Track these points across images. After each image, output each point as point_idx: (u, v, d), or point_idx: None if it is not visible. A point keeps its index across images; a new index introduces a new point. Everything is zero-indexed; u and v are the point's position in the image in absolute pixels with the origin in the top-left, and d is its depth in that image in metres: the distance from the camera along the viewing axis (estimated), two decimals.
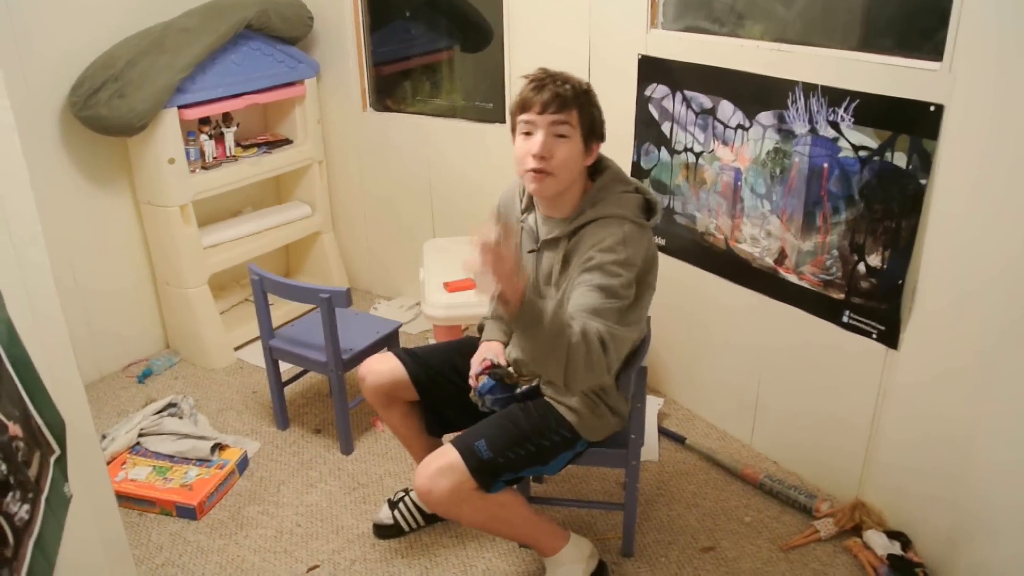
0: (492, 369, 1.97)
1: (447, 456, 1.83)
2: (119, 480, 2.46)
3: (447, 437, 2.05)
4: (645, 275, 1.82)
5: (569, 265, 1.82)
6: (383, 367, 2.11)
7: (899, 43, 2.06)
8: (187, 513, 2.39)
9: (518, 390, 1.96)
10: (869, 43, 2.16)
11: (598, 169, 1.87)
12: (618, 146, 2.73)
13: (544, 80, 1.77)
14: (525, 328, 1.57)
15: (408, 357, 2.12)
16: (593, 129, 1.81)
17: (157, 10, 3.00)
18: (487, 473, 1.83)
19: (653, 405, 2.83)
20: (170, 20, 2.96)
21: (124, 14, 2.93)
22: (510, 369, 1.98)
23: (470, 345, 2.13)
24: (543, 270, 1.88)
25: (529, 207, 1.95)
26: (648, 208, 1.86)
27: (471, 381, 1.99)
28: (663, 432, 2.73)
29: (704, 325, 2.71)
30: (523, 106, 1.79)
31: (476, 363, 2.01)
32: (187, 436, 2.62)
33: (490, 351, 2.02)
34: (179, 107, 2.91)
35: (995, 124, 1.78)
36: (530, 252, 1.92)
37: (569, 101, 1.75)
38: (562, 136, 1.76)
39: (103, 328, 3.12)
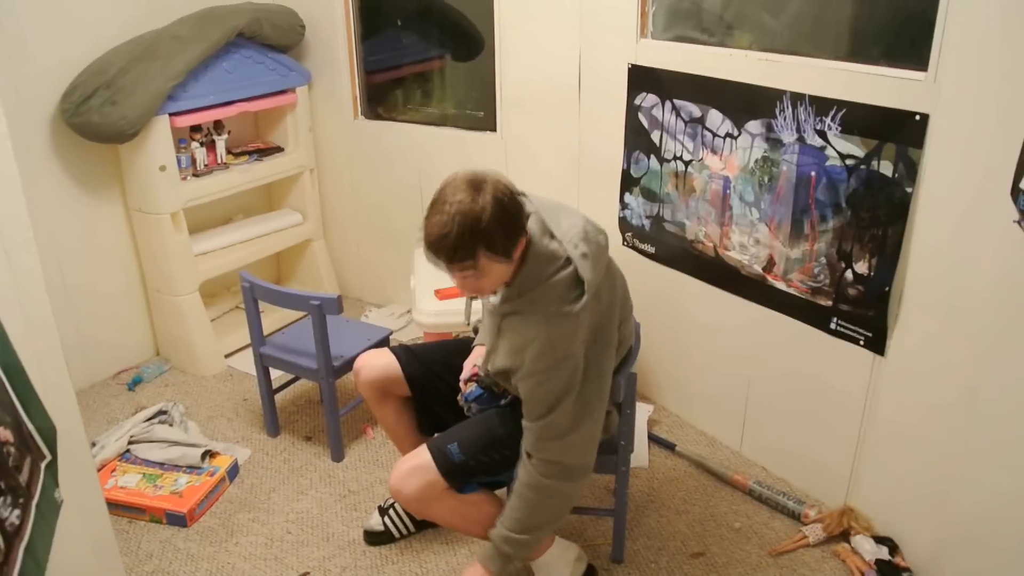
0: (479, 377, 1.98)
1: (420, 457, 1.88)
2: (109, 487, 2.45)
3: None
4: (595, 339, 1.77)
5: (502, 339, 1.81)
6: (378, 361, 2.13)
7: (885, 53, 2.09)
8: (177, 520, 2.39)
9: (503, 401, 1.97)
10: (856, 53, 2.19)
11: (524, 254, 1.75)
12: (608, 155, 2.76)
13: (434, 243, 1.65)
14: (516, 553, 1.85)
15: (403, 353, 2.14)
16: (507, 247, 1.67)
17: (149, 17, 3.00)
18: (457, 475, 1.87)
19: (643, 412, 2.84)
20: (162, 28, 2.97)
21: (116, 21, 2.93)
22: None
23: (468, 346, 2.15)
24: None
25: None
26: (578, 281, 1.73)
27: (461, 386, 2.00)
28: (653, 438, 2.74)
29: (693, 332, 2.73)
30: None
31: (467, 368, 2.02)
32: (177, 443, 2.61)
33: (481, 356, 2.03)
34: (170, 114, 2.91)
35: (979, 133, 1.80)
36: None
37: (464, 253, 1.64)
38: (480, 274, 1.69)
39: (93, 335, 3.11)
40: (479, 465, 1.88)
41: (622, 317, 1.89)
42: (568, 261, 1.73)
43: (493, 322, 1.86)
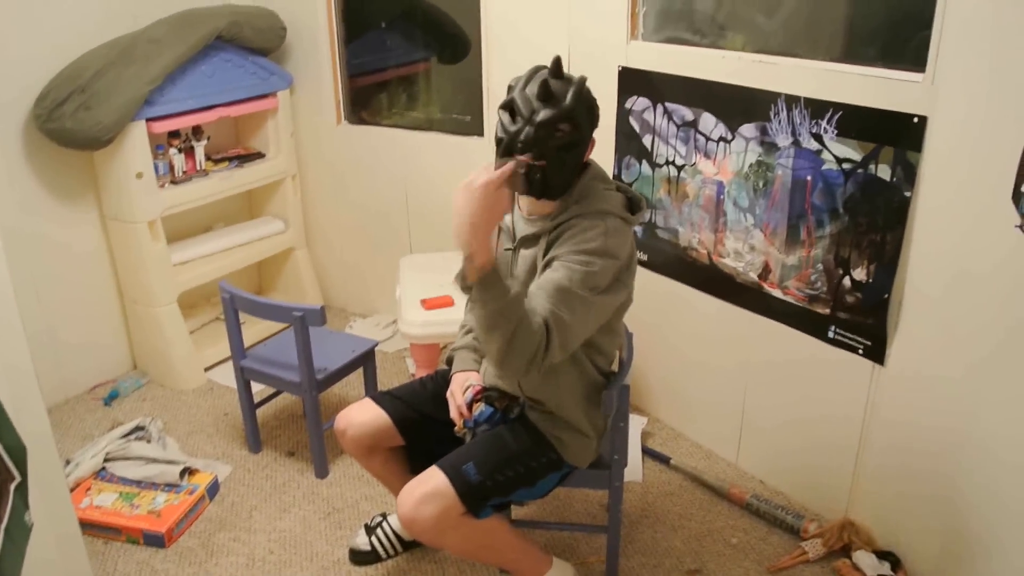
0: (484, 393, 1.95)
1: (433, 480, 1.80)
2: (84, 507, 2.43)
3: None
4: (620, 272, 1.79)
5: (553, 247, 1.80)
6: (364, 417, 2.04)
7: (882, 54, 2.10)
8: (155, 541, 2.37)
9: (511, 415, 1.95)
10: (852, 54, 2.20)
11: (584, 165, 1.85)
12: (598, 159, 2.74)
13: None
14: (485, 288, 1.59)
15: (389, 401, 2.06)
16: (593, 125, 1.80)
17: (125, 20, 2.99)
18: (476, 497, 1.80)
19: (636, 424, 2.84)
20: (139, 30, 2.96)
21: (91, 24, 2.92)
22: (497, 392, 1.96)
23: (446, 377, 2.10)
24: (519, 267, 1.87)
25: None
26: (631, 206, 1.86)
27: (456, 415, 1.96)
28: (647, 452, 2.74)
29: (688, 342, 2.73)
30: None
31: (458, 395, 1.98)
32: (155, 460, 2.60)
33: (467, 380, 2.01)
34: (147, 120, 2.90)
35: (979, 136, 1.81)
36: (506, 250, 1.91)
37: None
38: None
39: (67, 349, 3.09)
40: (496, 486, 1.83)
41: (633, 272, 1.89)
42: (618, 188, 1.86)
43: (535, 251, 1.81)
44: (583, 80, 1.75)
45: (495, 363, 1.67)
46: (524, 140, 1.69)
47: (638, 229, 2.74)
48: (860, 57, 2.13)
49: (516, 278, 1.87)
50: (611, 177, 2.74)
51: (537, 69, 1.76)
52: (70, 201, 3.01)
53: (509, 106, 1.73)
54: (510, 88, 1.76)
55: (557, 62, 1.73)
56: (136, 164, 2.91)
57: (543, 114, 1.69)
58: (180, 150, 3.15)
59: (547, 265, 1.76)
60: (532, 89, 1.71)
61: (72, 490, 2.50)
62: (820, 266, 2.23)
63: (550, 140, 1.70)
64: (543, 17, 2.82)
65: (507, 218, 1.92)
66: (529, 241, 1.85)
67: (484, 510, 1.82)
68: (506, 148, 1.72)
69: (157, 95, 2.90)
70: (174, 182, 3.13)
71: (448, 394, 2.02)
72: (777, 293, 2.37)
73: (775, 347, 2.43)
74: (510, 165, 1.64)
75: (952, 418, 1.98)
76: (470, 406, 1.94)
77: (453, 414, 1.97)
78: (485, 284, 1.60)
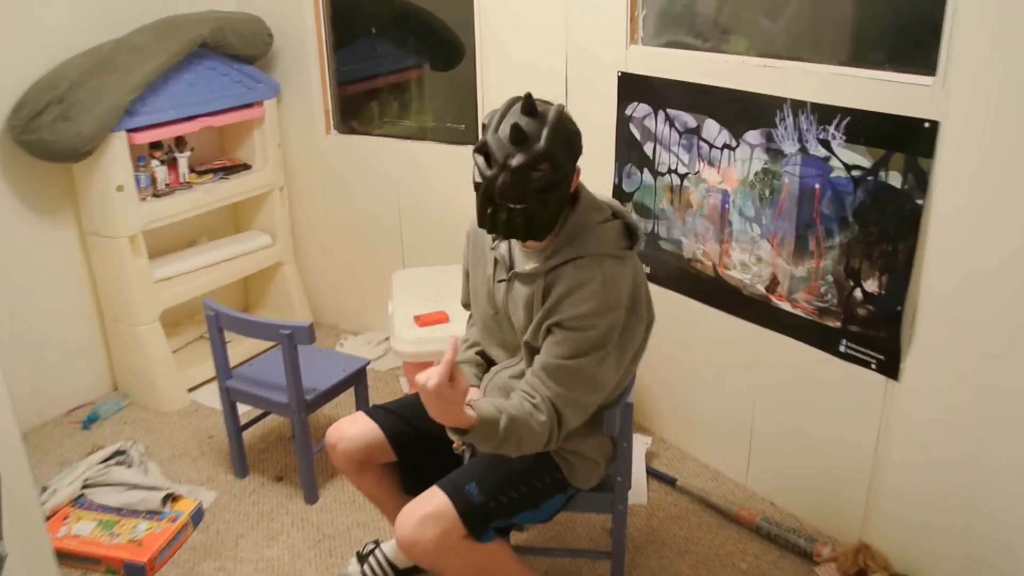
0: None
1: (434, 501, 1.78)
2: (61, 536, 2.40)
3: None
4: (632, 306, 1.80)
5: (549, 297, 1.80)
6: (355, 431, 2.01)
7: (890, 57, 2.09)
8: (136, 571, 2.34)
9: None
10: (859, 58, 2.19)
11: (573, 196, 1.84)
12: (598, 168, 2.75)
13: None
14: (476, 438, 1.65)
15: (382, 415, 2.04)
16: (575, 156, 1.75)
17: (105, 27, 2.98)
18: (478, 519, 1.78)
19: (640, 444, 2.81)
20: (120, 38, 2.95)
21: (70, 32, 2.91)
22: None
23: None
24: (514, 299, 1.86)
25: None
26: (628, 233, 1.84)
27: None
28: (652, 473, 2.72)
29: (693, 358, 2.71)
30: None
31: None
32: (136, 486, 2.57)
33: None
34: (128, 131, 2.88)
35: (992, 140, 1.80)
36: (500, 282, 1.90)
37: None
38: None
39: (45, 369, 3.07)
40: (499, 507, 1.81)
41: (647, 295, 1.88)
42: (613, 215, 1.83)
43: (532, 289, 1.81)
44: (559, 111, 1.70)
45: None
46: (501, 187, 1.67)
47: None
48: (868, 60, 2.12)
49: (513, 309, 1.86)
50: (612, 185, 2.74)
51: (512, 103, 1.72)
52: (47, 215, 2.99)
53: (484, 149, 1.71)
54: (484, 127, 1.73)
55: (528, 99, 1.69)
56: (116, 177, 2.89)
57: (517, 159, 1.66)
58: (162, 162, 3.14)
59: (548, 330, 1.77)
60: (504, 131, 1.67)
61: (48, 518, 2.47)
62: (830, 277, 2.21)
63: (528, 184, 1.67)
64: (540, 21, 2.82)
65: (503, 247, 1.91)
66: (525, 279, 1.84)
67: (487, 533, 1.81)
68: (484, 194, 1.71)
69: (138, 105, 2.89)
70: (156, 195, 3.12)
71: None
72: (786, 306, 2.35)
73: (784, 362, 2.41)
74: (449, 353, 1.60)
75: (970, 435, 1.97)
76: None
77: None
78: (474, 436, 1.65)
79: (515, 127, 1.64)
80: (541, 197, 1.69)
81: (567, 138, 1.71)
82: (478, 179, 1.71)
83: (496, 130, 1.69)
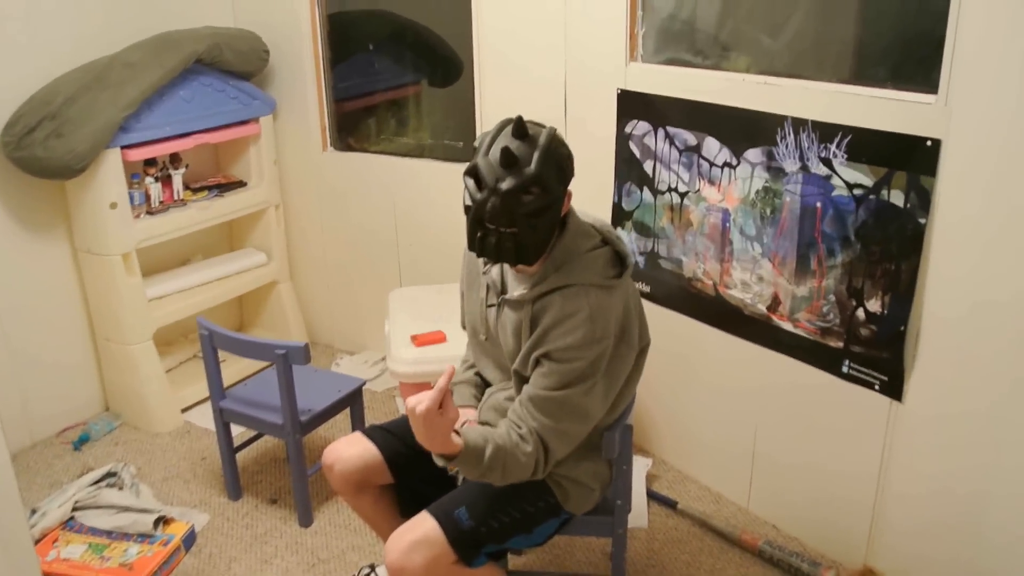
0: None
1: (423, 526, 1.78)
2: (50, 560, 2.40)
3: None
4: (622, 334, 1.80)
5: (537, 326, 1.81)
6: (352, 452, 2.02)
7: (892, 75, 2.11)
8: None
9: None
10: (861, 75, 2.21)
11: (563, 222, 1.84)
12: (598, 187, 2.77)
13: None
14: (461, 465, 1.68)
15: (380, 435, 2.05)
16: (566, 180, 1.77)
17: (100, 43, 3.01)
18: (468, 545, 1.78)
19: (640, 466, 2.82)
20: (114, 54, 2.97)
21: (64, 47, 2.94)
22: None
23: None
24: (503, 324, 1.88)
25: None
26: (618, 260, 1.84)
27: None
28: (652, 496, 2.72)
29: (694, 378, 2.72)
30: None
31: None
32: (127, 509, 2.57)
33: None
34: (122, 147, 2.90)
35: (996, 159, 1.82)
36: (490, 307, 1.92)
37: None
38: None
39: (35, 389, 3.07)
40: (490, 532, 1.81)
41: (639, 320, 1.89)
42: (602, 242, 1.83)
43: (520, 316, 1.82)
44: (551, 134, 1.72)
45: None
46: (491, 211, 1.69)
47: (640, 259, 2.73)
48: (869, 78, 2.15)
49: (502, 334, 1.88)
50: (611, 204, 2.76)
51: (503, 125, 1.74)
52: (40, 233, 3.01)
53: (474, 172, 1.72)
54: (475, 149, 1.75)
55: (519, 122, 1.70)
56: (110, 194, 2.91)
57: (507, 183, 1.67)
58: (157, 179, 3.15)
59: (537, 361, 1.78)
60: (494, 154, 1.69)
61: (37, 541, 2.46)
62: (832, 297, 2.22)
63: (518, 208, 1.68)
64: (538, 37, 2.84)
65: (494, 272, 1.92)
66: (514, 305, 1.85)
67: (478, 558, 1.81)
68: (474, 217, 1.73)
69: (133, 121, 2.91)
70: (150, 212, 3.13)
71: None
72: (787, 326, 2.36)
73: (786, 383, 2.41)
74: (442, 381, 1.63)
75: (976, 457, 1.97)
76: None
77: None
78: (459, 464, 1.68)
79: (505, 150, 1.65)
80: (531, 221, 1.70)
81: (558, 162, 1.72)
82: (468, 202, 1.73)
83: (487, 153, 1.70)
